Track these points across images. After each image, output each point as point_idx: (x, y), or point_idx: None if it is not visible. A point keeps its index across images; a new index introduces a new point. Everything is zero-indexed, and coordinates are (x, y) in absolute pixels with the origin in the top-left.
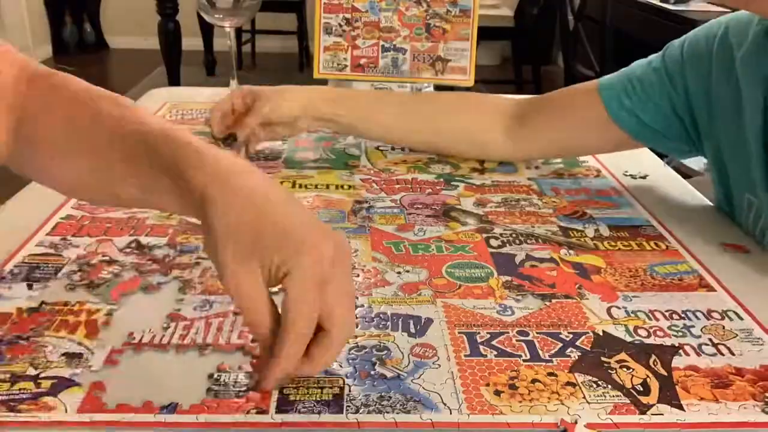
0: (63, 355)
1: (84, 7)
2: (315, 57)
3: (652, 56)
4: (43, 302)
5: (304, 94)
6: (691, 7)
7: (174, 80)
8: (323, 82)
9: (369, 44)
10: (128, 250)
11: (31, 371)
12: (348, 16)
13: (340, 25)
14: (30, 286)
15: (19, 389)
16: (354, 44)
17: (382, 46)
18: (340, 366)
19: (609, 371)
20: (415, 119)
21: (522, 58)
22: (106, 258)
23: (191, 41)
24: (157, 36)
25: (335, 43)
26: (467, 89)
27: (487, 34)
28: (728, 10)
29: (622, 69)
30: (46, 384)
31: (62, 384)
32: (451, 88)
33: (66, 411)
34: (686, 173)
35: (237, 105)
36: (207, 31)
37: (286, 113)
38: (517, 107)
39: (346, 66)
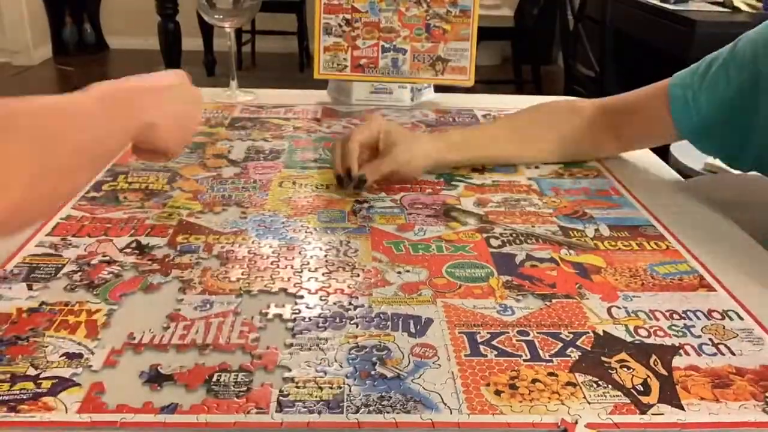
0: (63, 355)
1: (84, 8)
2: (315, 57)
3: (721, 52)
4: (43, 302)
5: (433, 145)
6: (691, 7)
7: None
8: (324, 82)
9: (369, 44)
10: (128, 250)
11: (31, 371)
12: (348, 16)
13: (340, 26)
14: (30, 287)
15: (19, 389)
16: (354, 44)
17: (382, 46)
18: (341, 366)
19: (609, 371)
20: (526, 146)
21: (522, 58)
22: (106, 258)
23: (191, 41)
24: (157, 36)
25: (335, 43)
26: (467, 89)
27: (487, 34)
28: None
29: (694, 64)
30: (46, 384)
31: (62, 384)
32: (451, 89)
33: (66, 411)
34: (686, 173)
35: (368, 141)
36: (207, 31)
37: (415, 167)
38: (602, 113)
39: (346, 66)
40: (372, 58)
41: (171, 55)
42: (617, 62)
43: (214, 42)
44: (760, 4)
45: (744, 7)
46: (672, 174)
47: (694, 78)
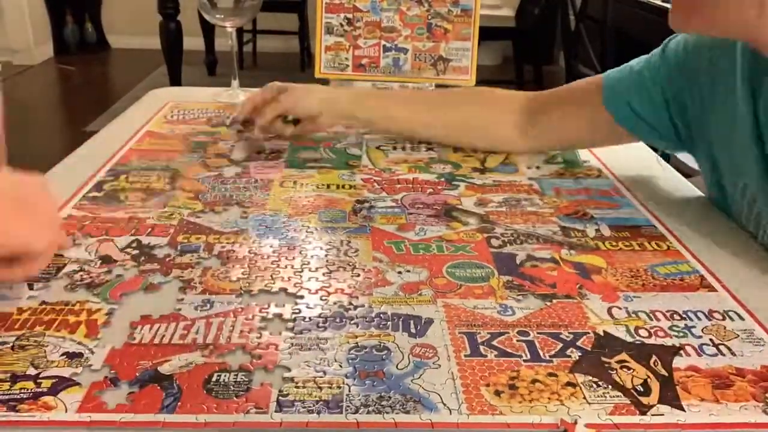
0: (63, 354)
1: (85, 7)
2: (316, 57)
3: (653, 51)
4: (43, 302)
5: (327, 93)
6: None
7: (175, 80)
8: (325, 81)
9: (370, 44)
10: (129, 250)
11: (32, 371)
12: (349, 15)
13: (342, 25)
14: (30, 286)
15: (19, 389)
16: (355, 44)
17: (384, 45)
18: (340, 366)
19: (609, 371)
20: (429, 114)
21: (523, 58)
22: (107, 258)
23: (193, 41)
24: (158, 36)
25: (336, 42)
26: None
27: (488, 34)
28: None
29: (625, 64)
30: (46, 383)
31: (62, 383)
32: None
33: (66, 411)
34: (687, 172)
35: (266, 97)
36: (208, 31)
37: (308, 108)
38: (526, 102)
39: (347, 66)
40: (373, 58)
41: (172, 55)
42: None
43: (216, 41)
44: None
45: None
46: (673, 174)
47: (624, 71)
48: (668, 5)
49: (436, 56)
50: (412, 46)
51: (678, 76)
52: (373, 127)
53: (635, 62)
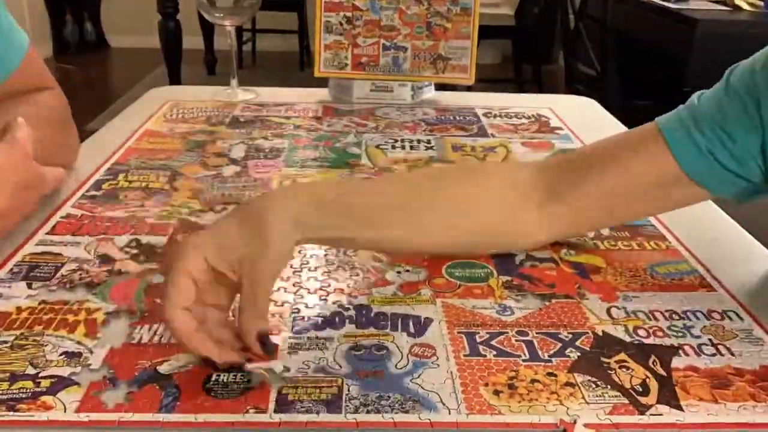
0: (62, 354)
1: (85, 6)
2: (316, 56)
3: (715, 86)
4: (42, 301)
5: (288, 245)
6: (692, 6)
7: (175, 79)
8: (324, 80)
9: (370, 43)
10: (128, 249)
11: (31, 370)
12: (349, 14)
13: (341, 24)
14: (29, 285)
15: (18, 388)
16: (355, 43)
17: (383, 44)
18: (339, 366)
19: (608, 371)
20: (423, 223)
21: (523, 57)
22: (106, 257)
23: (192, 40)
24: (157, 35)
25: (336, 41)
26: (468, 88)
27: (487, 32)
28: None
29: (680, 106)
30: (45, 383)
31: (61, 383)
32: (453, 87)
33: (65, 410)
34: None
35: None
36: (208, 30)
37: (282, 256)
38: (544, 174)
39: (346, 64)
40: (373, 56)
41: (171, 54)
42: (618, 61)
43: (215, 40)
44: (761, 3)
45: (745, 6)
46: None
47: (682, 114)
48: (668, 4)
49: (435, 55)
50: (412, 44)
51: (756, 102)
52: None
53: (693, 101)
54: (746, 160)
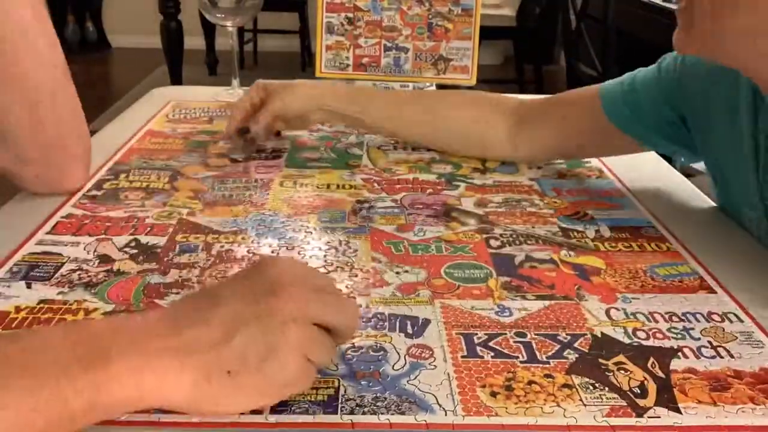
0: None
1: (86, 6)
2: (317, 56)
3: (652, 65)
4: (41, 301)
5: (314, 91)
6: None
7: (176, 79)
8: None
9: (371, 43)
10: (127, 249)
11: None
12: (350, 15)
13: (342, 24)
14: (29, 285)
15: None
16: (356, 43)
17: (384, 45)
18: (336, 366)
19: (606, 373)
20: (417, 114)
21: (524, 58)
22: (105, 257)
23: (193, 40)
24: (159, 35)
25: (337, 42)
26: (469, 89)
27: (489, 33)
28: None
29: (624, 74)
30: None
31: None
32: (454, 88)
33: None
34: (689, 173)
35: (254, 101)
36: (209, 30)
37: (297, 109)
38: (520, 108)
39: (348, 65)
40: (374, 57)
41: (173, 54)
42: (619, 62)
43: (216, 41)
44: None
45: None
46: (675, 174)
47: (622, 84)
48: (669, 4)
49: (436, 55)
50: (413, 45)
51: (678, 88)
52: (360, 125)
53: (634, 74)
54: (671, 127)
